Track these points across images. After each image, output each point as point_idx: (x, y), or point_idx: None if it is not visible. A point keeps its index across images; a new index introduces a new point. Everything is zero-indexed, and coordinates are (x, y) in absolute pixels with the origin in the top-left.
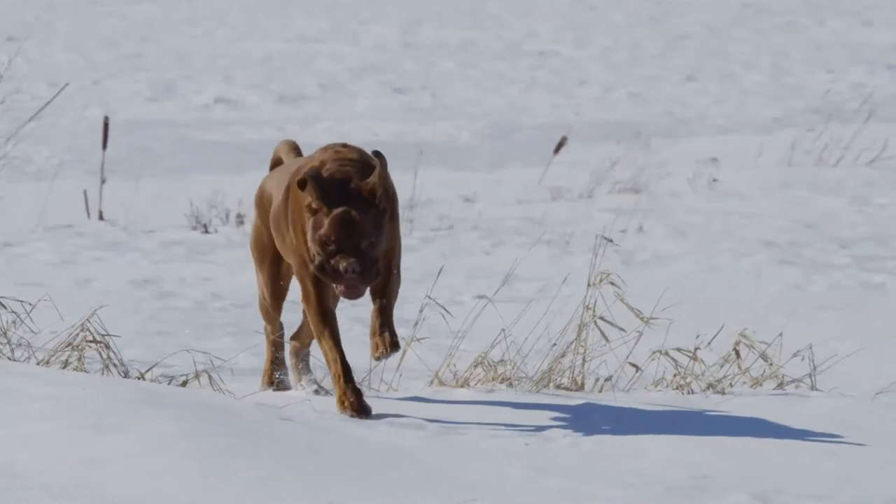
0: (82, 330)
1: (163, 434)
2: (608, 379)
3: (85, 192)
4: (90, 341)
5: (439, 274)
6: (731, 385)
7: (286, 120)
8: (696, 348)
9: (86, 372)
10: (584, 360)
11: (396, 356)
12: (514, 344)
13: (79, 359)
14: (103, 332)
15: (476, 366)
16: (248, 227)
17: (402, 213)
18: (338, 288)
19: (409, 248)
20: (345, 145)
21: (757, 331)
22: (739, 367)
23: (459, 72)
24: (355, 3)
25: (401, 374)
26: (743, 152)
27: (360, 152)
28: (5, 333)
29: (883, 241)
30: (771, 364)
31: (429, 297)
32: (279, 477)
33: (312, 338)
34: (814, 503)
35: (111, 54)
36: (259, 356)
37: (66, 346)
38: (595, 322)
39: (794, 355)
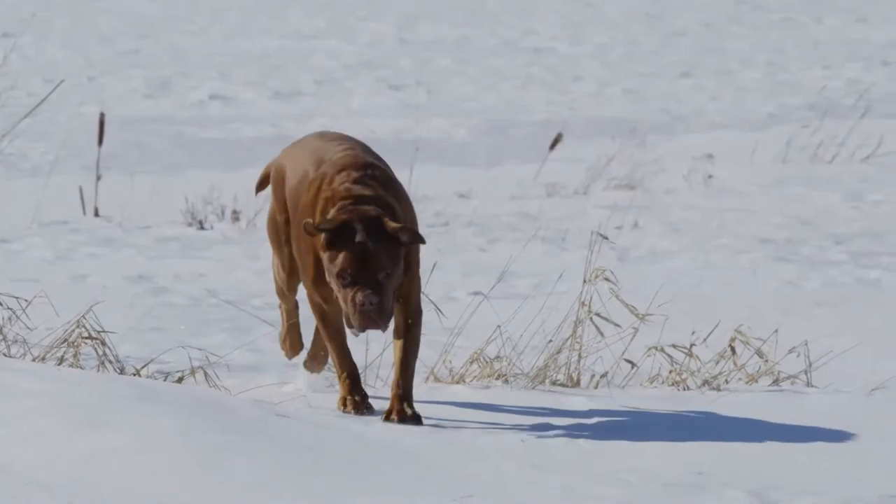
0: (78, 326)
1: (159, 430)
2: (604, 375)
3: (80, 189)
4: (85, 337)
5: (433, 270)
6: (726, 381)
7: (282, 116)
8: (692, 345)
9: (81, 368)
10: (579, 356)
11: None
12: (509, 340)
13: (74, 355)
14: (99, 329)
15: (472, 362)
16: (244, 223)
17: None
18: (355, 320)
19: None
20: (354, 142)
21: (752, 327)
22: (735, 364)
23: (455, 68)
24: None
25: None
26: (738, 149)
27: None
28: (1, 330)
29: (878, 237)
30: (766, 360)
31: (424, 294)
32: (276, 473)
33: (327, 358)
34: (809, 499)
35: (107, 51)
36: (255, 353)
37: (62, 343)
38: (591, 318)
39: (790, 352)
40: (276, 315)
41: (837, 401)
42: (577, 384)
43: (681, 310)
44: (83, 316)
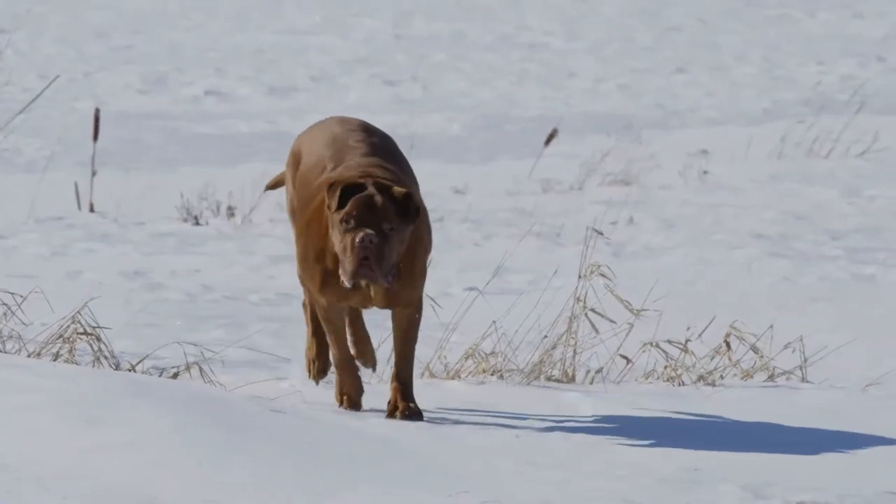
0: (73, 322)
1: (154, 426)
2: (599, 371)
3: (76, 184)
4: (81, 333)
5: (427, 265)
6: (721, 377)
7: (277, 112)
8: (687, 340)
9: (77, 364)
10: (574, 352)
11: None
12: (504, 336)
13: (70, 351)
14: (94, 324)
15: (467, 358)
16: (239, 219)
17: None
18: (348, 265)
19: None
20: (369, 128)
21: (748, 323)
22: (730, 360)
23: (450, 64)
24: None
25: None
26: (733, 144)
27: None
28: None
29: (874, 232)
30: (761, 356)
31: None
32: (271, 469)
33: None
34: (804, 495)
35: (102, 46)
36: (250, 349)
37: (57, 339)
38: (586, 314)
39: (785, 347)
40: (273, 311)
41: (832, 396)
42: (572, 380)
43: (676, 305)
44: (78, 312)
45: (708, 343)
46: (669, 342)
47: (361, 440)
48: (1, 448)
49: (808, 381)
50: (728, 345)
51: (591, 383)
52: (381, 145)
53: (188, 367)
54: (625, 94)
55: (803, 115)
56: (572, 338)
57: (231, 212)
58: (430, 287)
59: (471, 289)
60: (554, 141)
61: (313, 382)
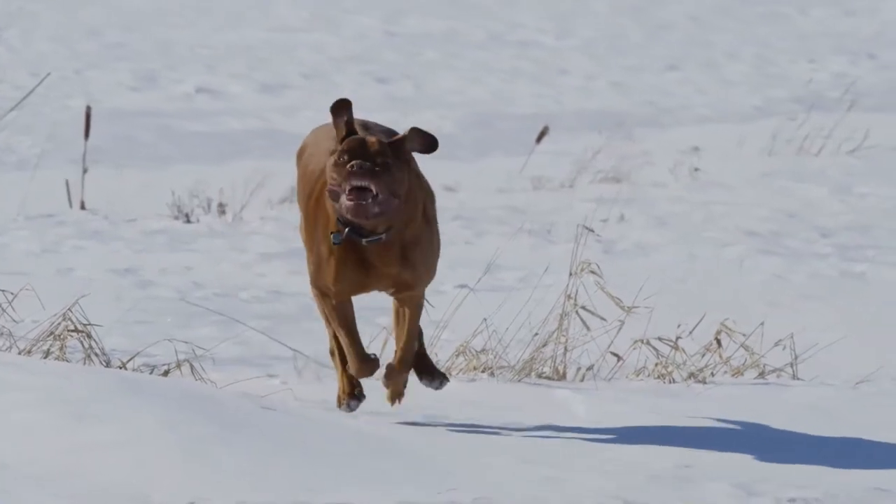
0: (64, 319)
1: (145, 423)
2: (590, 368)
3: (67, 182)
4: (72, 330)
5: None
6: (712, 374)
7: (269, 110)
8: (678, 337)
9: (67, 361)
10: (565, 349)
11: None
12: (495, 333)
13: (60, 348)
14: (85, 322)
15: (458, 355)
16: (230, 216)
17: None
18: (343, 201)
19: None
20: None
21: (738, 320)
22: (720, 357)
23: (442, 61)
24: None
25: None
26: (725, 142)
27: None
28: None
29: (864, 230)
30: (752, 353)
31: None
32: (262, 466)
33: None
34: (795, 492)
35: (94, 44)
36: (241, 346)
37: (48, 336)
38: (576, 311)
39: (776, 344)
40: (264, 308)
41: (823, 394)
42: (562, 377)
43: (667, 302)
44: (69, 309)
45: (699, 340)
46: (660, 339)
47: (353, 437)
48: None
49: (798, 379)
50: (719, 342)
51: (582, 380)
52: (383, 130)
53: (179, 365)
54: (616, 91)
55: (795, 113)
56: (563, 335)
57: (222, 209)
58: None
59: (462, 286)
60: (545, 138)
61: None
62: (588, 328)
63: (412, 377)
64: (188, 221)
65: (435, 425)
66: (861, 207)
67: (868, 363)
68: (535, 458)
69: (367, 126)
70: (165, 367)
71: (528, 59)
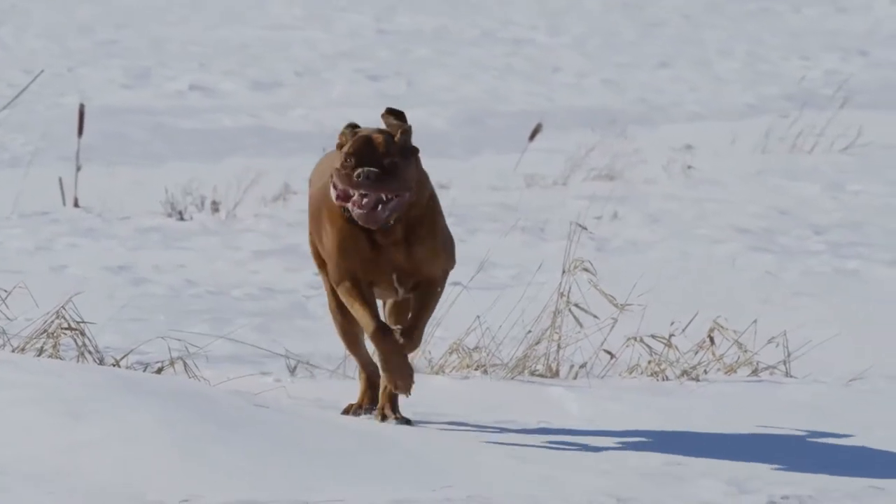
0: (58, 317)
1: (139, 421)
2: (583, 366)
3: (60, 179)
4: (65, 328)
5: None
6: (705, 372)
7: (262, 107)
8: (671, 335)
9: (61, 359)
10: (558, 346)
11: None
12: (488, 331)
13: (54, 346)
14: (78, 319)
15: (451, 353)
16: (223, 214)
17: None
18: (353, 208)
19: None
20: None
21: (731, 317)
22: (713, 354)
23: (434, 59)
24: None
25: None
26: (717, 139)
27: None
28: None
29: (857, 227)
30: (745, 351)
31: None
32: (256, 463)
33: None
34: (788, 489)
35: (87, 41)
36: (234, 343)
37: (42, 334)
38: (569, 309)
39: (769, 342)
40: (257, 306)
41: (816, 391)
42: (556, 375)
43: (660, 300)
44: (63, 306)
45: (692, 338)
46: (653, 337)
47: (346, 435)
48: None
49: (791, 376)
50: (712, 339)
51: (575, 378)
52: None
53: (172, 362)
54: (609, 88)
55: (787, 110)
56: (556, 333)
57: (215, 207)
58: None
59: (455, 283)
60: (538, 136)
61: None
62: (581, 326)
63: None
64: (181, 219)
65: (429, 423)
66: (853, 205)
67: (861, 360)
68: (528, 455)
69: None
70: (159, 365)
71: (520, 57)
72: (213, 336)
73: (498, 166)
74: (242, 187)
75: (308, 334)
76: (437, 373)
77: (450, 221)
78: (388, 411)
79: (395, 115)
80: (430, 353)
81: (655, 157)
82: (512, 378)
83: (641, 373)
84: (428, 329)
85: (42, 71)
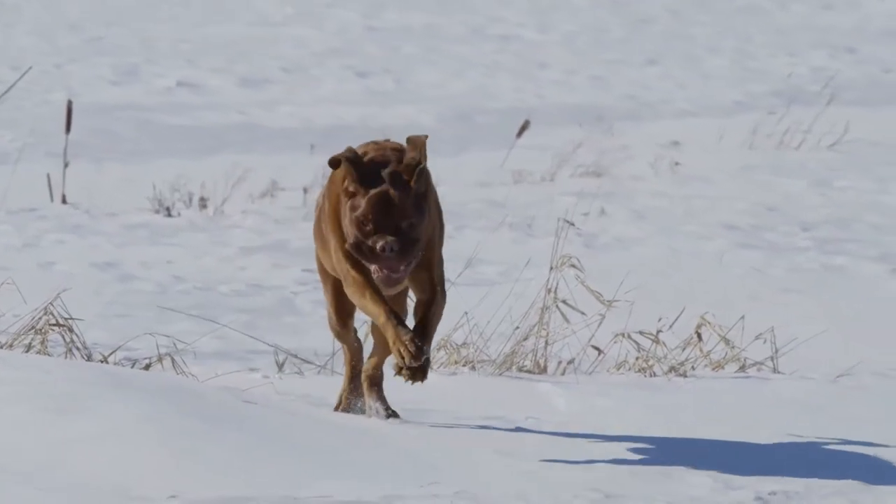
0: (45, 313)
1: (127, 417)
2: (570, 362)
3: (48, 176)
4: (53, 325)
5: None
6: (692, 368)
7: (249, 104)
8: (658, 331)
9: (49, 355)
10: (546, 343)
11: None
12: (476, 327)
13: (42, 342)
14: (66, 316)
15: (439, 349)
16: (211, 210)
17: None
18: (375, 273)
19: None
20: (387, 140)
21: (719, 314)
22: (701, 351)
23: (423, 56)
24: None
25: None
26: (705, 136)
27: (401, 145)
28: None
29: (844, 223)
30: (733, 347)
31: None
32: (244, 459)
33: (388, 353)
34: (775, 485)
35: (75, 38)
36: (222, 340)
37: (30, 330)
38: (557, 305)
39: (756, 338)
40: (244, 302)
41: (803, 387)
42: (543, 371)
43: (647, 296)
44: (51, 303)
45: (679, 334)
46: (641, 333)
47: (334, 431)
48: None
49: (779, 372)
50: (699, 336)
51: (563, 374)
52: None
53: (160, 359)
54: (597, 85)
55: (775, 107)
56: (544, 329)
57: (203, 203)
58: None
59: None
60: (526, 132)
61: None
62: (568, 322)
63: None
64: (169, 215)
65: (417, 419)
66: (841, 201)
67: (848, 357)
68: (516, 451)
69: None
70: (147, 361)
71: (508, 54)
72: (201, 330)
73: (486, 163)
74: (230, 184)
75: (296, 330)
76: None
77: None
78: (375, 403)
79: (415, 144)
80: None
81: (643, 154)
82: (500, 374)
83: (629, 369)
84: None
85: (30, 67)
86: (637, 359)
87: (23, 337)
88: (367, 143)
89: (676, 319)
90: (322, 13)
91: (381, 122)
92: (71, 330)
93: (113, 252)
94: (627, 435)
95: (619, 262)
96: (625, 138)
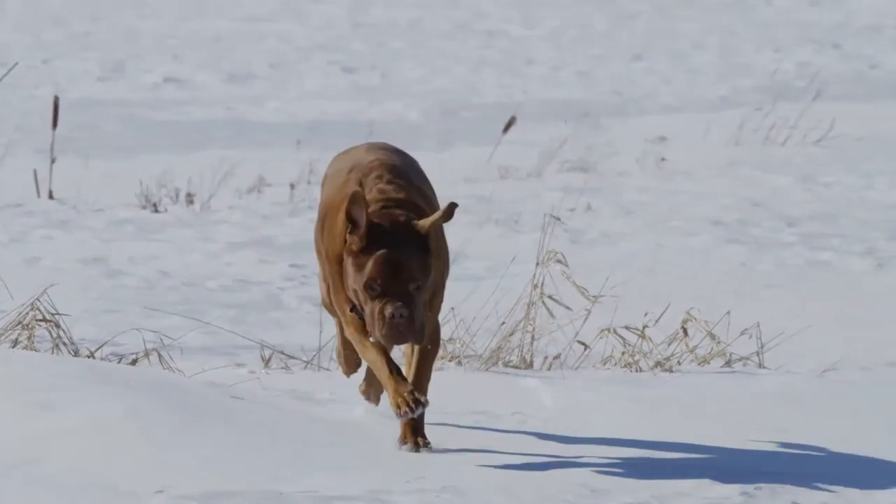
0: (32, 309)
1: (113, 412)
2: (557, 357)
3: (34, 172)
4: (40, 320)
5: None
6: (678, 363)
7: (236, 99)
8: (644, 326)
9: (36, 350)
10: (532, 338)
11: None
12: (463, 322)
13: (29, 337)
14: (53, 311)
15: None
16: (197, 206)
17: None
18: (382, 334)
19: None
20: (393, 150)
21: (705, 309)
22: (687, 346)
23: (408, 51)
24: None
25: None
26: (691, 131)
27: (408, 198)
28: None
29: (829, 219)
30: (718, 342)
31: None
32: (230, 454)
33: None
34: (762, 480)
35: (61, 33)
36: (209, 335)
37: (16, 325)
38: (543, 301)
39: (742, 333)
40: (231, 297)
41: (789, 381)
42: (529, 366)
43: (633, 292)
44: (37, 298)
45: (665, 329)
46: (627, 328)
47: (319, 426)
48: None
49: (764, 367)
50: (685, 331)
51: (549, 369)
52: (403, 163)
53: (147, 354)
54: (582, 81)
55: (760, 103)
56: (530, 324)
57: (189, 199)
58: None
59: None
60: (512, 128)
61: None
62: (554, 317)
63: None
64: (156, 211)
65: None
66: (826, 196)
67: (833, 351)
68: (502, 446)
69: (396, 151)
70: (133, 357)
71: (494, 49)
72: (188, 326)
73: (472, 158)
74: (216, 179)
75: (282, 326)
76: None
77: None
78: (414, 438)
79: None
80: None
81: (629, 150)
82: (486, 369)
83: (615, 364)
84: None
85: (16, 63)
86: (623, 354)
87: (9, 332)
88: (371, 175)
89: (662, 315)
90: (308, 8)
91: (366, 117)
92: (58, 325)
93: (100, 247)
94: (613, 430)
95: (606, 258)
96: (611, 134)
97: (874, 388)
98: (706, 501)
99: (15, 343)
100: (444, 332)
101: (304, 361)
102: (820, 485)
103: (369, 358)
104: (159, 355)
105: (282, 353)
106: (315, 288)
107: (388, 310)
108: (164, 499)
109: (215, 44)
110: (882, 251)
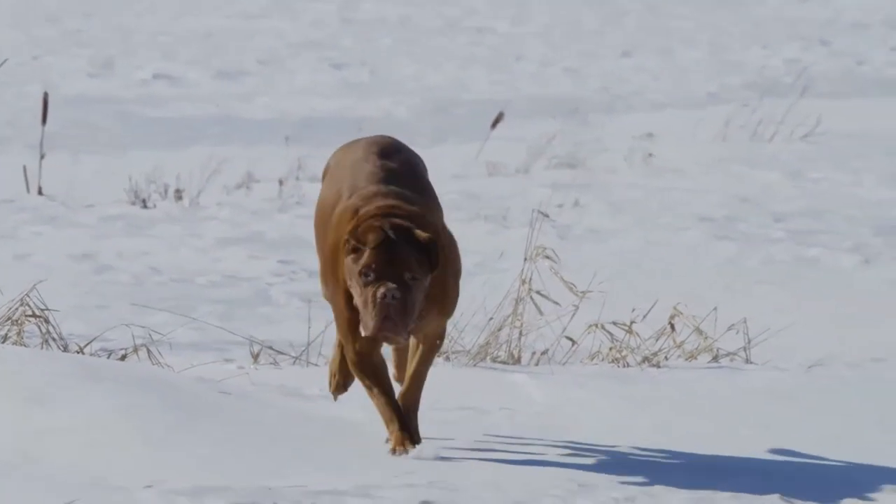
0: (22, 304)
1: (103, 408)
2: (545, 352)
3: (24, 168)
4: (29, 316)
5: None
6: (666, 358)
7: (226, 96)
8: (632, 322)
9: (25, 346)
10: (520, 333)
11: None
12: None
13: (18, 333)
14: (42, 307)
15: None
16: (187, 202)
17: None
18: (375, 325)
19: None
20: (393, 149)
21: (692, 304)
22: (674, 341)
23: (398, 48)
24: None
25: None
26: (679, 128)
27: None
28: None
29: (817, 215)
30: (706, 337)
31: None
32: (219, 450)
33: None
34: (750, 475)
35: (52, 30)
36: (198, 331)
37: (6, 321)
38: (531, 296)
39: (729, 328)
40: (220, 293)
41: (776, 377)
42: (518, 361)
43: (621, 287)
44: (27, 294)
45: (653, 325)
46: (615, 324)
47: (309, 421)
48: None
49: (751, 363)
50: (673, 326)
51: (537, 364)
52: (403, 171)
53: (136, 350)
54: (571, 77)
55: (748, 99)
56: (518, 320)
57: (179, 195)
58: None
59: None
60: (501, 124)
61: (332, 396)
62: (542, 313)
63: None
64: (145, 207)
65: None
66: (814, 192)
67: (821, 347)
68: (490, 441)
69: (398, 150)
70: (123, 352)
71: (483, 46)
72: (177, 321)
73: (461, 154)
74: (206, 175)
75: (271, 321)
76: None
77: None
78: (407, 444)
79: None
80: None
81: (617, 146)
82: (474, 365)
83: (603, 359)
84: None
85: (7, 59)
86: (611, 349)
87: None
88: (372, 195)
89: (650, 310)
90: (298, 5)
91: (356, 113)
92: (47, 321)
93: (89, 243)
94: (601, 425)
95: (594, 254)
96: (599, 130)
97: (862, 383)
98: (694, 496)
99: (4, 339)
100: None
101: (293, 357)
102: (807, 480)
103: (375, 403)
104: (148, 351)
105: (271, 348)
106: (303, 284)
107: (381, 290)
108: (153, 493)
109: (206, 40)
110: (870, 247)
